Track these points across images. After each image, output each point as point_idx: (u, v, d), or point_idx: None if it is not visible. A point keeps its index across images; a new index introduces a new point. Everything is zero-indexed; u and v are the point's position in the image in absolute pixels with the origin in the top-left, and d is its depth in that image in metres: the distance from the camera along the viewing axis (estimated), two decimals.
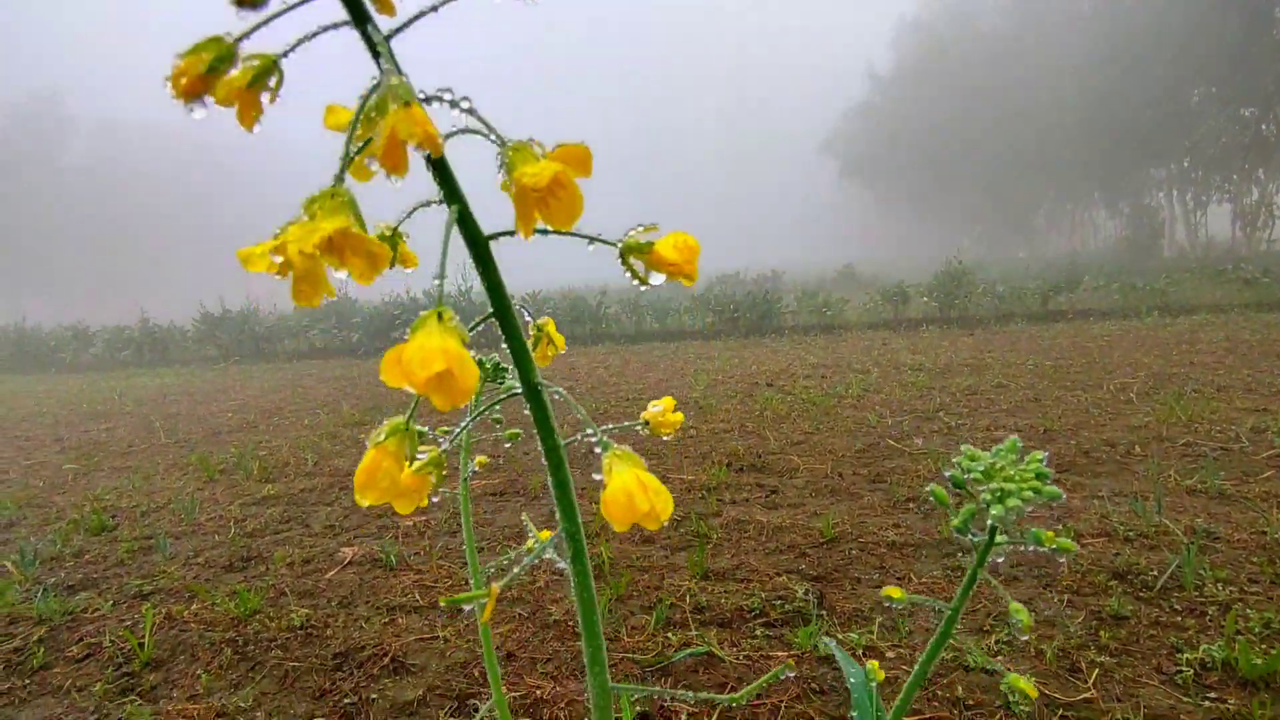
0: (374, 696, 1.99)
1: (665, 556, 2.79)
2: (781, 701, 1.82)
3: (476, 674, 2.06)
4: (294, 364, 12.62)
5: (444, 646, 2.23)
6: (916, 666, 0.50)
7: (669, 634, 2.18)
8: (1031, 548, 0.30)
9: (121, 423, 7.25)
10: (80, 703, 2.06)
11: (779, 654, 2.02)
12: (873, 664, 0.39)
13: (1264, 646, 1.87)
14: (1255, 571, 2.32)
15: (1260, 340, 7.28)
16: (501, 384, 0.74)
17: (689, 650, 2.04)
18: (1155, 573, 2.35)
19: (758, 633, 2.16)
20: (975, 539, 0.31)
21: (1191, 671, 1.81)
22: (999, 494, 0.27)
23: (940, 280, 12.74)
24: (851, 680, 0.37)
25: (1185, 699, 1.73)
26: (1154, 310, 10.91)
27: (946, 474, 0.35)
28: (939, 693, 1.82)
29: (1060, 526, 2.78)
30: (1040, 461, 0.31)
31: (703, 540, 2.86)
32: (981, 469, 0.29)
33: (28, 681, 2.21)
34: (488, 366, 0.73)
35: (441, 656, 2.17)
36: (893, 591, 0.42)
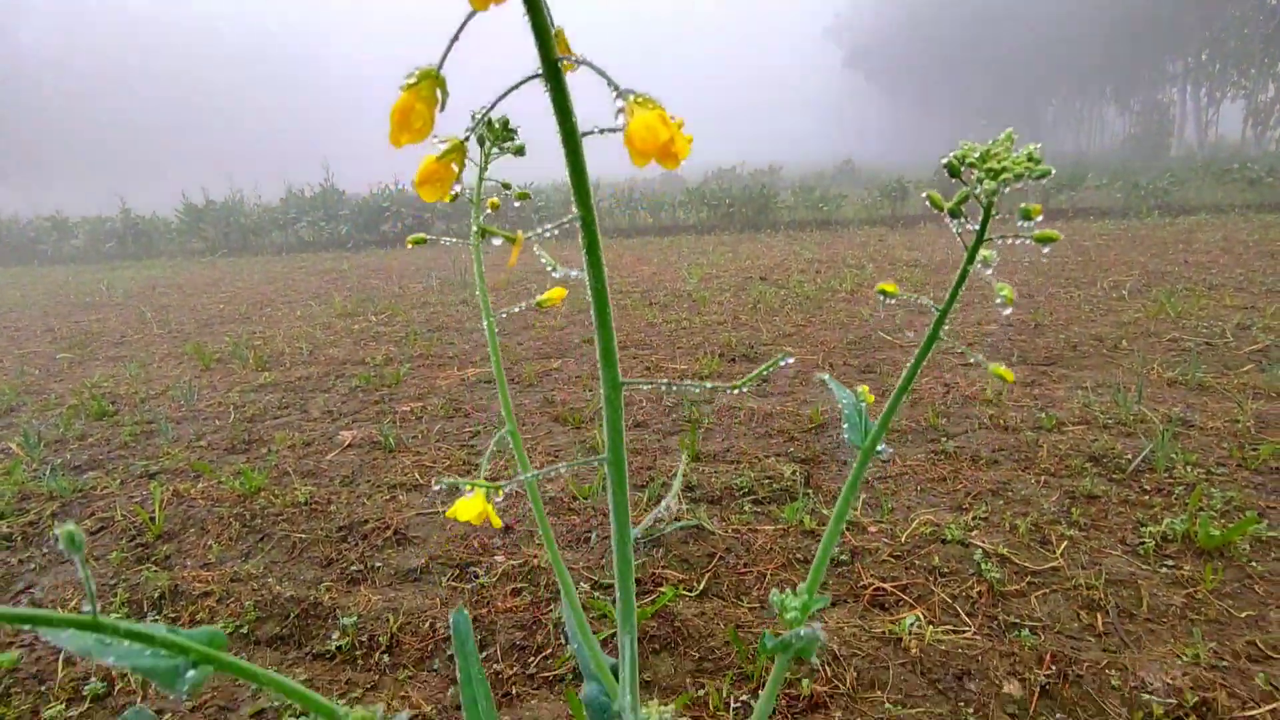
0: (378, 564, 2.10)
1: (658, 440, 2.87)
2: (767, 570, 1.92)
3: (476, 545, 2.16)
4: (283, 257, 12.44)
5: (444, 521, 2.32)
6: (906, 371, 0.53)
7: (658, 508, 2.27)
8: (1020, 240, 0.31)
9: (112, 313, 7.21)
10: (99, 570, 2.16)
11: (766, 527, 2.11)
12: (863, 387, 0.41)
13: (1222, 521, 1.97)
14: (1224, 455, 2.41)
15: (1258, 240, 7.25)
16: (509, 145, 0.72)
17: (680, 523, 2.13)
18: (1129, 456, 2.44)
19: (746, 509, 2.25)
20: (971, 227, 0.33)
21: (1153, 543, 1.92)
22: (992, 172, 0.28)
23: (940, 175, 12.46)
24: (842, 402, 0.39)
25: (1145, 567, 1.84)
26: (1155, 210, 10.78)
27: (942, 161, 0.35)
28: (916, 562, 1.92)
29: (1043, 415, 2.86)
30: (1035, 147, 0.31)
31: (694, 425, 2.93)
32: (977, 154, 0.29)
33: (45, 551, 2.30)
34: (496, 126, 0.71)
35: (442, 529, 2.27)
36: (887, 286, 0.44)
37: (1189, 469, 2.32)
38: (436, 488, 2.52)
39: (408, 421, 3.29)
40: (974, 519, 2.12)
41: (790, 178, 21.63)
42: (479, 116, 0.33)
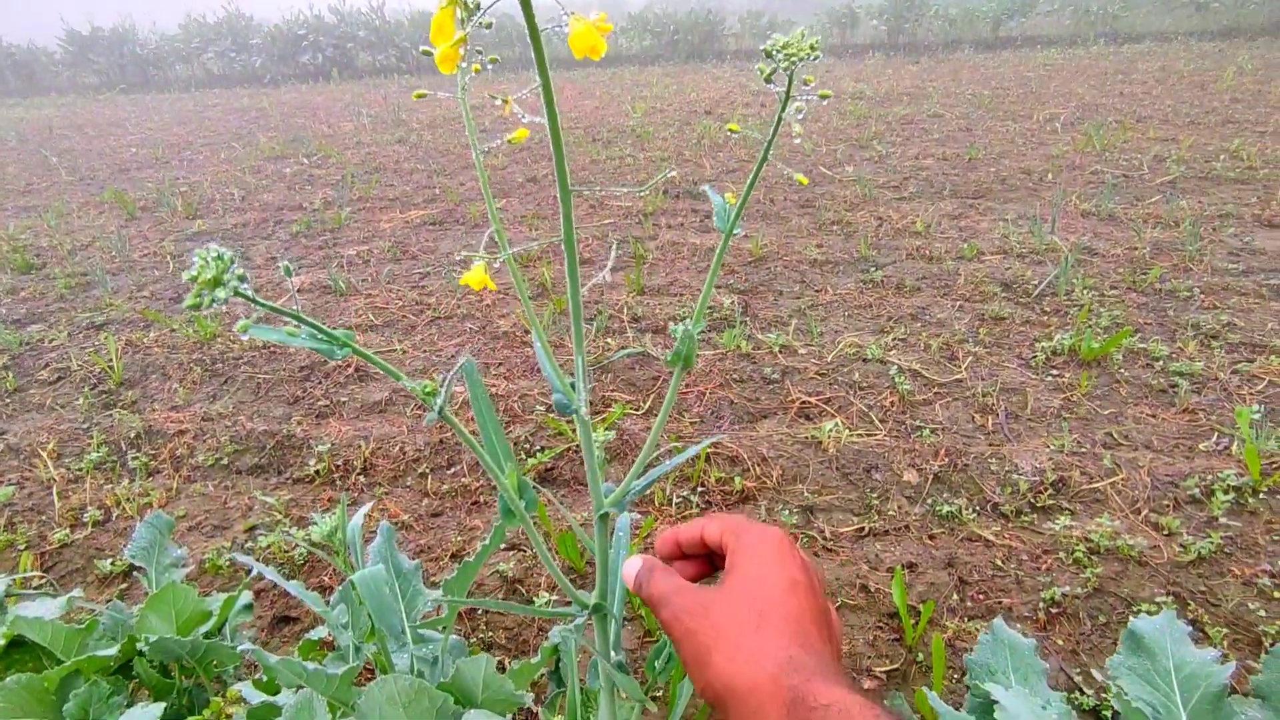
0: (344, 399, 2.22)
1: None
2: (706, 390, 2.12)
3: (435, 378, 2.29)
4: (192, 93, 11.40)
5: (403, 357, 2.43)
6: (748, 180, 0.66)
7: (608, 340, 2.43)
8: (812, 99, 0.43)
9: (9, 158, 6.66)
10: (68, 415, 2.23)
11: (706, 352, 2.30)
12: (729, 194, 0.52)
13: (1104, 336, 2.23)
14: (1118, 280, 2.66)
15: (1193, 70, 7.33)
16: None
17: (626, 350, 2.29)
18: (1036, 282, 2.67)
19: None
20: (779, 90, 0.44)
21: (1044, 356, 2.18)
22: (788, 56, 0.39)
23: (892, 1, 11.92)
24: (715, 202, 0.51)
25: (1034, 376, 2.11)
26: (1101, 38, 10.65)
27: (761, 47, 0.45)
28: (840, 379, 2.15)
29: (965, 245, 3.05)
30: (813, 42, 0.42)
31: (639, 260, 3.03)
32: (780, 44, 0.41)
33: (8, 400, 2.35)
34: None
35: (401, 365, 2.38)
36: (732, 126, 0.55)
37: (1085, 292, 2.57)
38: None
39: (355, 265, 3.30)
40: (893, 340, 2.35)
41: (737, 3, 20.29)
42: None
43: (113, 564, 1.61)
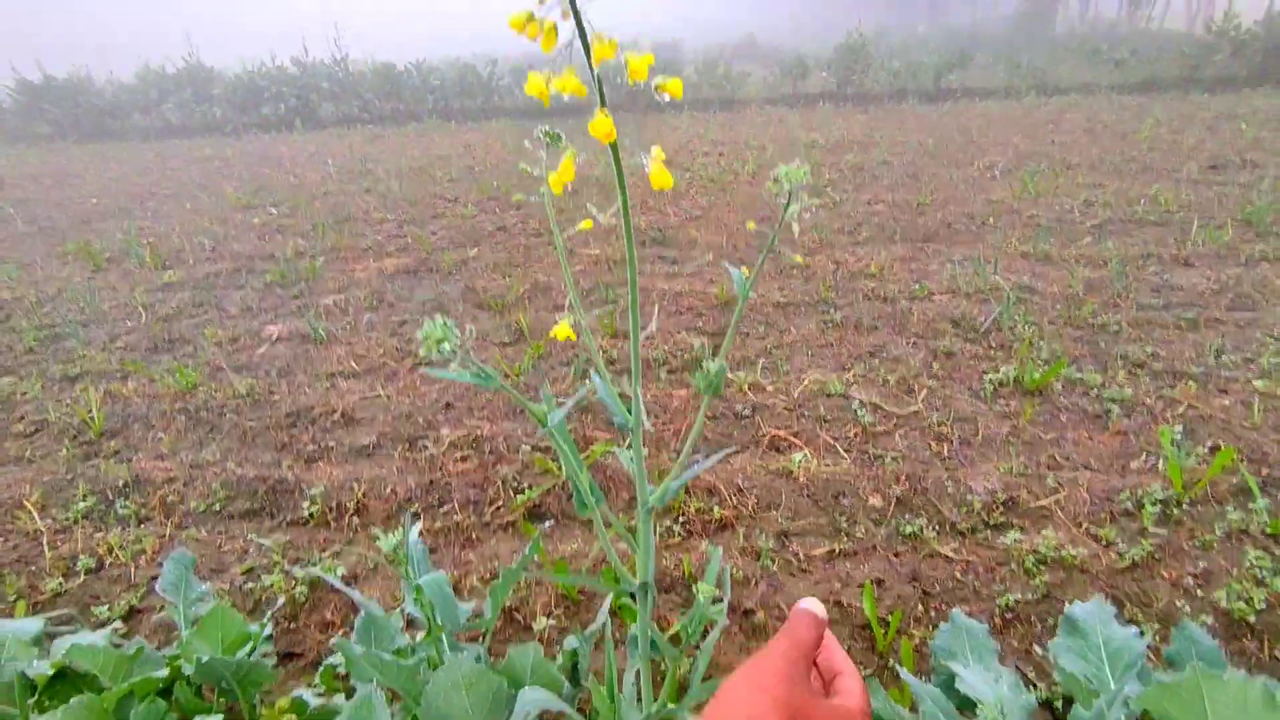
0: (332, 444, 2.29)
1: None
2: (682, 427, 2.24)
3: (420, 421, 2.38)
4: (151, 143, 11.35)
5: (387, 403, 2.51)
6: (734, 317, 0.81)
7: (585, 382, 2.54)
8: (803, 208, 0.58)
9: None
10: (50, 467, 2.24)
11: (680, 392, 2.43)
12: (744, 269, 0.65)
13: (1044, 367, 2.43)
14: (1055, 316, 2.89)
15: (1114, 121, 7.90)
16: None
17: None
18: (982, 320, 2.88)
19: (662, 376, 2.56)
20: (780, 199, 0.59)
21: (991, 387, 2.36)
22: (788, 175, 0.54)
23: (840, 54, 12.58)
24: (734, 275, 0.64)
25: (983, 406, 2.28)
26: (1032, 90, 11.38)
27: (771, 174, 0.61)
28: (806, 413, 2.30)
29: (917, 286, 3.27)
30: (805, 170, 0.58)
31: (612, 305, 3.17)
32: (784, 171, 0.55)
33: None
34: None
35: (386, 410, 2.46)
36: (749, 224, 0.70)
37: (1026, 327, 2.78)
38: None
39: (332, 314, 3.37)
40: (854, 376, 2.51)
41: (693, 51, 21.08)
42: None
43: (110, 609, 1.63)
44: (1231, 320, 2.77)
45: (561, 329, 0.58)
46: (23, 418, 2.58)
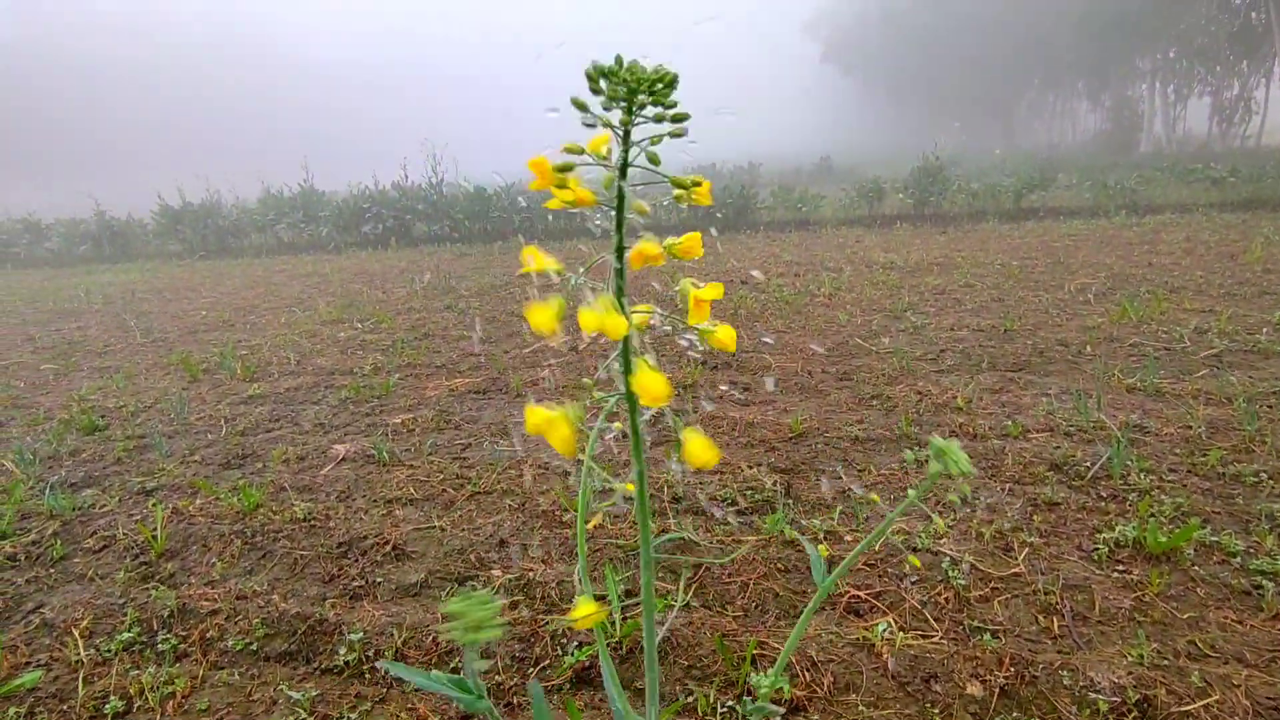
0: (379, 580, 2.19)
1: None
2: (750, 580, 2.04)
3: (473, 558, 2.26)
4: (262, 259, 12.37)
5: (441, 535, 2.41)
6: (859, 546, 0.66)
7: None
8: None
9: (93, 321, 7.17)
10: (106, 589, 2.23)
11: (749, 538, 2.23)
12: (822, 547, 0.52)
13: (1170, 527, 2.12)
14: (1175, 462, 2.57)
15: (1218, 241, 7.50)
16: None
17: (667, 535, 2.25)
18: (1088, 464, 2.59)
19: (730, 519, 2.37)
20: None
21: (1107, 549, 2.07)
22: (952, 457, 0.41)
23: (916, 176, 12.68)
24: (811, 553, 0.51)
25: (1098, 571, 1.99)
26: (1122, 209, 11.06)
27: (907, 455, 0.48)
28: (889, 570, 2.05)
29: (1010, 422, 3.01)
30: (968, 465, 0.46)
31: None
32: (938, 447, 0.44)
33: (51, 570, 2.37)
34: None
35: (439, 544, 2.36)
36: (913, 560, 0.57)
37: (1142, 475, 2.48)
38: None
39: (399, 435, 3.37)
40: (943, 527, 2.26)
41: (769, 175, 21.79)
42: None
43: None
44: None
45: (583, 610, 0.47)
46: (94, 533, 2.61)
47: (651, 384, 0.41)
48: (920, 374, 3.74)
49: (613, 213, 0.48)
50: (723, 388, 3.71)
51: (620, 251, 0.47)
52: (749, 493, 2.53)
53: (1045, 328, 4.50)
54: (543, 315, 0.51)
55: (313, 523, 2.54)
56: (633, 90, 0.46)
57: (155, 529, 2.51)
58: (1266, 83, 24.38)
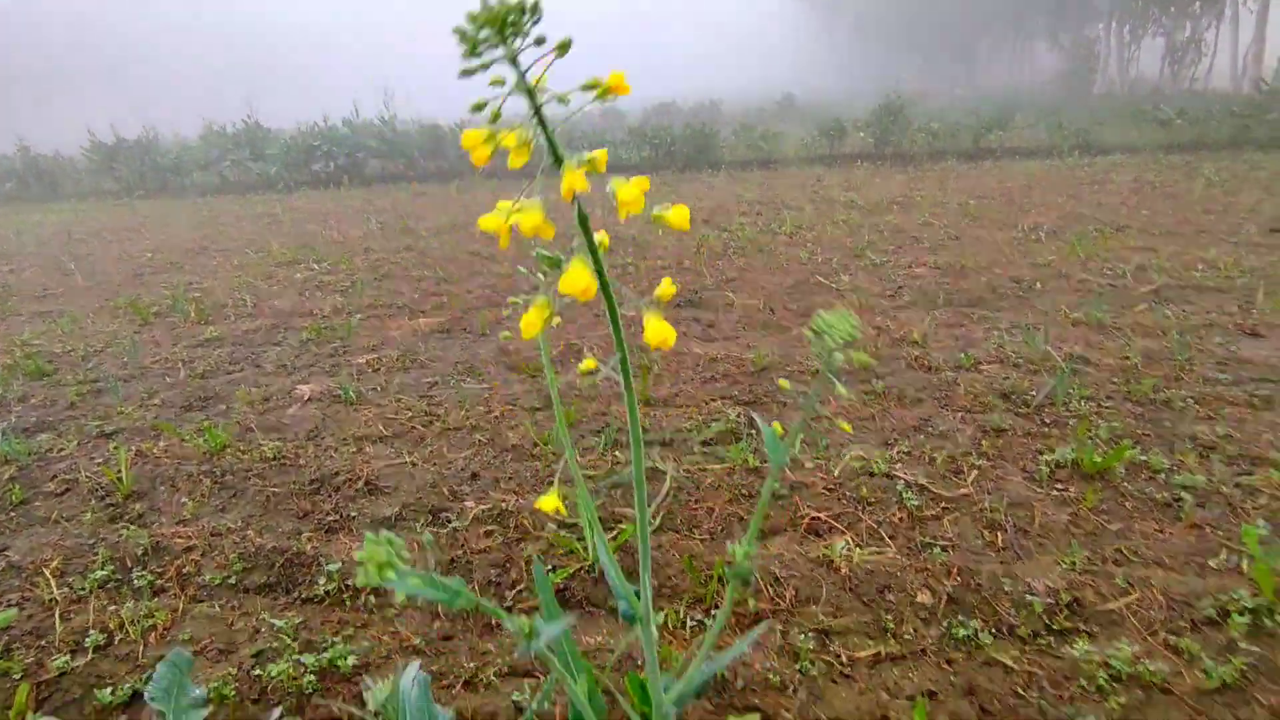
0: (353, 514, 2.22)
1: (610, 387, 3.03)
2: (716, 505, 2.13)
3: (445, 491, 2.31)
4: (208, 199, 11.87)
5: (412, 470, 2.45)
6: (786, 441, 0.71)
7: (616, 454, 2.46)
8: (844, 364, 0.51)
9: (27, 263, 6.86)
10: (73, 530, 2.22)
11: (714, 466, 2.32)
12: (776, 425, 0.58)
13: (1105, 449, 2.27)
14: (1113, 390, 2.73)
15: (1163, 182, 7.73)
16: None
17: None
18: (1034, 393, 2.73)
19: (695, 450, 2.46)
20: (823, 357, 0.52)
21: (1048, 470, 2.21)
22: (828, 327, 0.47)
23: (878, 115, 12.67)
24: (765, 431, 0.56)
25: (1039, 490, 2.13)
26: (1075, 150, 11.26)
27: (810, 329, 0.53)
28: (847, 494, 2.17)
29: (963, 355, 3.14)
30: (853, 323, 0.51)
31: (645, 371, 3.10)
32: (822, 323, 0.49)
33: (12, 514, 2.34)
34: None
35: (411, 479, 2.40)
36: (782, 383, 0.62)
37: (1082, 403, 2.63)
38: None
39: (364, 374, 3.36)
40: (898, 453, 2.38)
41: (731, 113, 21.49)
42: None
43: (113, 693, 1.56)
44: None
45: (548, 500, 0.51)
46: (55, 476, 2.58)
47: (578, 277, 0.45)
48: (879, 310, 3.85)
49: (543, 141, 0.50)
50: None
51: (558, 160, 0.50)
52: (713, 424, 2.61)
53: (999, 265, 4.64)
54: (531, 218, 0.53)
55: (283, 461, 2.55)
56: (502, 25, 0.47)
57: (120, 471, 2.48)
58: (1217, 25, 24.73)
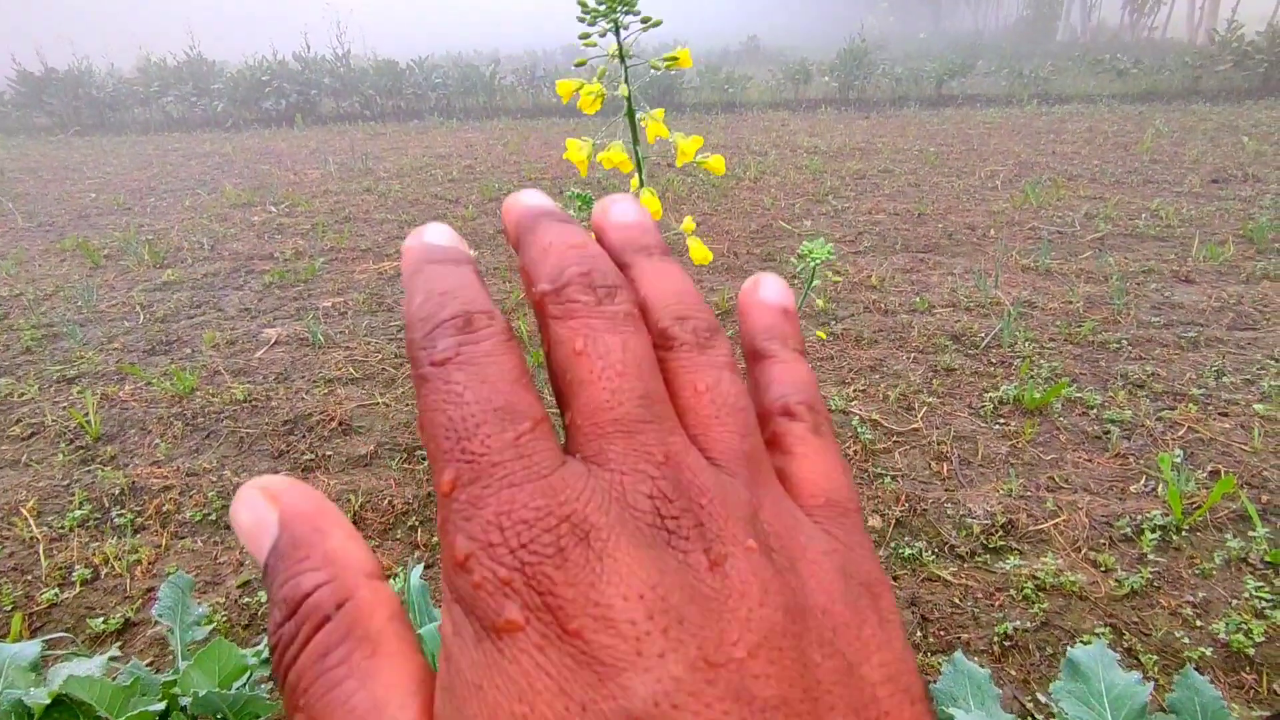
0: (329, 453, 2.28)
1: None
2: None
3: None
4: (151, 136, 11.32)
5: (385, 410, 2.50)
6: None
7: None
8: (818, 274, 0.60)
9: None
10: (45, 473, 2.23)
11: None
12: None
13: (1044, 386, 2.43)
14: (1055, 333, 2.89)
15: (1115, 131, 7.91)
16: None
17: None
18: (983, 335, 2.88)
19: None
20: (804, 270, 0.60)
21: (992, 406, 2.36)
22: (814, 257, 0.55)
23: (842, 59, 12.57)
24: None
25: (983, 425, 2.28)
26: (1034, 99, 11.38)
27: (798, 251, 0.62)
28: None
29: (917, 299, 3.27)
30: (829, 248, 0.60)
31: None
32: (808, 250, 0.57)
33: None
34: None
35: (385, 419, 2.45)
36: (821, 334, 0.71)
37: (1027, 344, 2.78)
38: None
39: (331, 317, 3.36)
40: (854, 391, 2.51)
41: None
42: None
43: (105, 622, 1.63)
44: (1232, 340, 2.77)
45: (575, 150, 0.64)
46: (19, 420, 2.56)
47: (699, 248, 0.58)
48: (839, 255, 3.95)
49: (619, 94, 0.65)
50: None
51: (631, 114, 0.65)
52: None
53: (955, 212, 4.77)
54: (575, 150, 0.69)
55: (254, 403, 2.57)
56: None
57: (88, 414, 2.48)
58: None
